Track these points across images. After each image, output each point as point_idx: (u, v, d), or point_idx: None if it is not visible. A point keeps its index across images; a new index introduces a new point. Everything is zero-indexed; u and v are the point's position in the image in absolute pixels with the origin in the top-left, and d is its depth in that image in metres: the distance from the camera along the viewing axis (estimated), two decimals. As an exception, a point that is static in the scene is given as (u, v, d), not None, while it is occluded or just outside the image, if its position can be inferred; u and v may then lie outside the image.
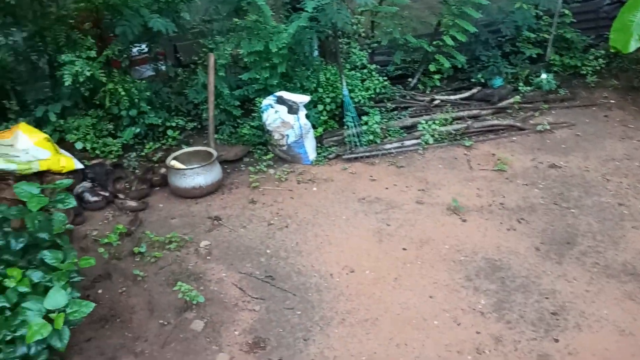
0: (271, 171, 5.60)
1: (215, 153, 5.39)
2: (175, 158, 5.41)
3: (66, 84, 5.20)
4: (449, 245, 4.32)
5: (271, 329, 3.65)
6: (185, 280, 4.05)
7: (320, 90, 6.07)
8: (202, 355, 3.46)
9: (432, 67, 6.61)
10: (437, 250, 4.28)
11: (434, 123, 5.91)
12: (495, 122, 6.06)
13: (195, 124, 6.40)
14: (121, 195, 5.23)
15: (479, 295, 3.83)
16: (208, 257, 4.38)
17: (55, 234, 3.38)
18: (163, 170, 5.62)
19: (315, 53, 6.48)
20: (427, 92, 6.68)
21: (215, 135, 5.88)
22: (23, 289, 3.10)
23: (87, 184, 5.28)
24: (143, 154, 6.00)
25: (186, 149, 5.64)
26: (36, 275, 3.18)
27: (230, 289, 4.03)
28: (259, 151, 5.94)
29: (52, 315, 2.82)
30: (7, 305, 3.14)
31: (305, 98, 5.74)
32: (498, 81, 6.62)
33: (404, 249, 4.31)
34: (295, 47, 5.92)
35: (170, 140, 6.17)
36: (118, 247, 4.42)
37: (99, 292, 4.01)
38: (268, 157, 5.79)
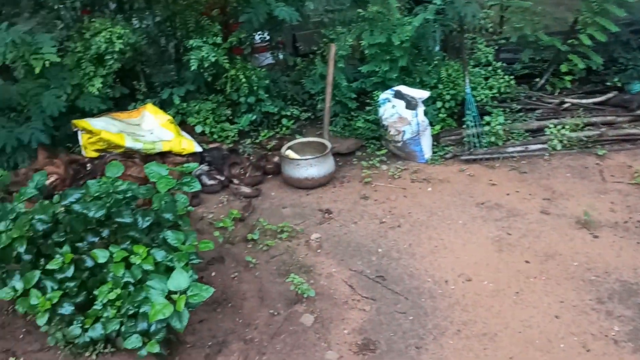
0: (384, 167, 5.45)
1: (329, 145, 5.33)
2: (289, 147, 5.41)
3: (192, 68, 5.33)
4: (578, 262, 3.98)
5: (382, 331, 3.52)
6: (296, 271, 4.00)
7: (441, 86, 5.83)
8: (310, 351, 3.40)
9: (563, 68, 6.16)
10: (564, 267, 3.95)
11: (563, 128, 5.49)
12: (634, 130, 5.53)
13: (309, 114, 6.38)
14: (236, 181, 5.29)
15: (612, 320, 3.48)
16: (318, 251, 4.32)
17: (177, 215, 3.44)
18: (276, 158, 5.64)
19: (437, 47, 6.24)
20: (556, 94, 6.23)
21: (329, 127, 5.81)
22: (147, 266, 3.18)
23: (204, 167, 5.40)
24: (257, 141, 6.06)
25: (300, 139, 5.62)
26: (159, 255, 3.25)
27: (340, 286, 3.94)
28: (372, 146, 5.82)
29: (174, 297, 2.86)
30: (132, 280, 3.24)
31: (424, 94, 5.53)
32: (637, 86, 6.04)
33: (527, 262, 4.02)
34: (418, 40, 5.72)
35: (284, 129, 6.18)
36: (232, 232, 4.47)
37: (212, 275, 4.06)
38: (382, 152, 5.65)
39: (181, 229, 3.55)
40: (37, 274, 3.31)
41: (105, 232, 3.45)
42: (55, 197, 3.39)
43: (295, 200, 5.07)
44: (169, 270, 3.31)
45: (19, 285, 3.32)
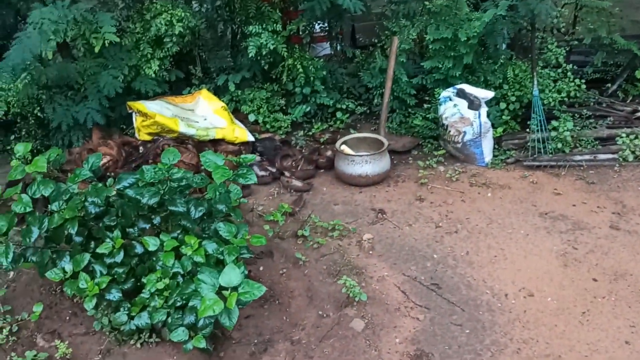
0: (441, 168, 5.23)
1: (386, 142, 5.13)
2: (344, 142, 5.24)
3: (250, 55, 5.22)
4: (651, 285, 3.69)
5: (435, 343, 3.33)
6: (347, 273, 3.85)
7: (506, 87, 5.56)
8: (360, 358, 3.24)
9: (638, 74, 5.77)
10: (636, 287, 3.67)
11: (637, 138, 5.15)
12: None
13: (364, 108, 6.20)
14: (287, 173, 5.16)
15: (691, 352, 3.20)
16: (370, 252, 4.15)
17: (231, 207, 3.33)
18: (329, 152, 5.48)
19: (504, 46, 5.95)
20: (628, 101, 5.86)
21: (385, 124, 5.61)
22: (198, 258, 3.07)
23: (257, 158, 5.29)
24: (310, 133, 5.92)
25: (356, 134, 5.44)
26: (210, 247, 3.14)
27: (392, 291, 3.76)
28: (429, 145, 5.60)
29: (224, 293, 2.74)
30: (181, 271, 3.14)
31: (488, 94, 5.28)
32: None
33: (594, 280, 3.75)
34: (486, 37, 5.46)
35: (338, 122, 6.03)
36: (282, 226, 4.34)
37: (261, 269, 3.93)
38: (439, 152, 5.42)
39: (233, 220, 3.44)
40: (86, 257, 3.25)
41: (156, 219, 3.36)
42: (109, 181, 3.32)
43: (348, 197, 4.91)
44: (218, 263, 3.20)
45: (68, 267, 3.27)
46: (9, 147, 5.27)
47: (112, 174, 4.70)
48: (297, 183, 5.02)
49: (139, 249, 3.36)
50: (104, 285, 3.17)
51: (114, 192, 3.26)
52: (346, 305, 3.58)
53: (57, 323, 3.49)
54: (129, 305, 3.27)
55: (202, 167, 4.80)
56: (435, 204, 4.70)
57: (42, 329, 3.42)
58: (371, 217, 4.60)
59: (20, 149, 3.14)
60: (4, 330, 3.31)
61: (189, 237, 3.13)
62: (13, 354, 3.19)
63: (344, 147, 5.16)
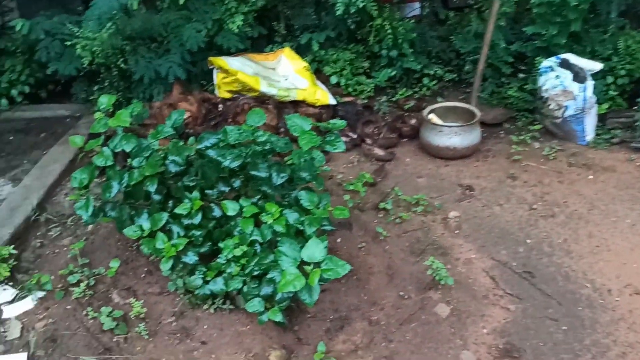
0: (536, 145, 4.82)
1: (478, 113, 4.76)
2: (432, 111, 4.90)
3: (338, 13, 4.93)
4: None
5: (528, 338, 3.05)
6: (432, 253, 3.59)
7: (615, 59, 5.02)
8: (444, 347, 3.01)
9: None
10: None
11: None
12: None
13: (454, 75, 5.81)
14: (368, 141, 4.91)
15: None
16: (457, 231, 3.86)
17: (314, 175, 3.12)
18: (413, 121, 5.18)
19: (616, 13, 5.36)
20: None
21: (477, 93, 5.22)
22: (278, 228, 2.90)
23: (337, 122, 5.05)
24: (394, 99, 5.61)
25: (445, 103, 5.09)
26: (292, 217, 2.96)
27: (480, 276, 3.48)
28: (523, 119, 5.18)
29: (306, 268, 2.55)
30: (260, 240, 2.98)
31: (596, 65, 4.78)
32: None
33: None
34: (598, 2, 4.91)
35: (424, 89, 5.69)
36: (363, 197, 4.11)
37: (338, 241, 3.74)
38: (535, 127, 4.99)
39: (314, 189, 3.24)
40: (164, 216, 3.15)
41: (236, 183, 3.21)
42: (190, 139, 3.18)
43: (432, 170, 4.61)
44: (298, 234, 3.03)
45: (146, 225, 3.19)
46: (92, 98, 5.26)
47: (191, 130, 4.60)
48: (379, 152, 4.76)
49: (217, 212, 3.22)
50: (181, 247, 3.06)
51: (194, 152, 3.11)
52: (430, 288, 3.33)
53: (133, 280, 3.44)
54: (204, 269, 3.16)
55: (282, 130, 4.64)
56: (529, 184, 4.33)
57: (118, 285, 3.38)
58: (458, 193, 4.29)
59: (105, 101, 3.04)
60: (82, 284, 3.27)
61: (270, 205, 2.96)
62: (89, 308, 3.15)
63: (433, 116, 4.83)
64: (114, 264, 3.38)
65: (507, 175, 4.46)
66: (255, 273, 2.95)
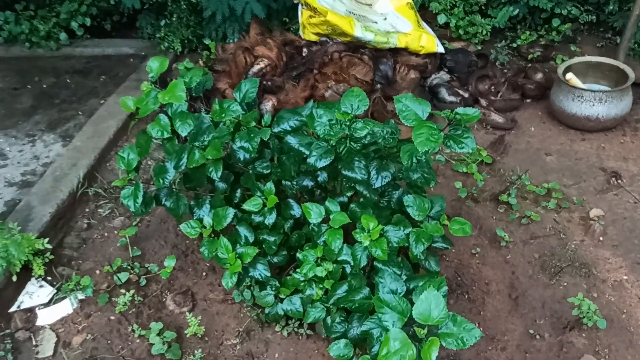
0: None
1: (631, 74, 3.69)
2: (568, 68, 3.86)
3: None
4: None
5: None
6: (570, 269, 2.74)
7: None
8: (591, 421, 2.23)
9: None
10: None
11: None
12: None
13: (592, 16, 4.62)
14: (484, 102, 3.96)
15: None
16: (601, 239, 2.97)
17: (427, 178, 2.31)
18: (539, 75, 4.16)
19: None
20: None
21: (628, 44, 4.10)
22: (377, 252, 2.13)
23: (444, 76, 4.13)
24: (515, 45, 4.58)
25: (586, 58, 4.01)
26: (395, 236, 2.19)
27: (637, 309, 2.62)
28: (687, 80, 4.02)
29: (418, 331, 1.80)
30: (350, 262, 2.25)
31: None
32: None
33: None
34: None
35: (553, 33, 4.59)
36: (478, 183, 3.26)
37: (444, 242, 2.94)
38: None
39: (422, 189, 2.43)
40: (230, 212, 2.44)
41: (322, 176, 2.45)
42: (266, 118, 2.40)
43: (565, 146, 3.65)
44: (400, 251, 2.27)
45: (207, 220, 2.51)
46: (158, 36, 4.56)
47: (269, 83, 3.84)
48: (498, 117, 3.83)
49: (296, 210, 2.50)
50: (248, 260, 2.38)
51: (270, 136, 2.35)
52: (571, 328, 2.51)
53: (192, 278, 2.83)
54: (277, 285, 2.48)
55: (378, 86, 3.78)
56: (698, 174, 3.32)
57: (175, 285, 2.78)
58: (599, 181, 3.35)
59: (155, 66, 2.30)
60: (130, 289, 2.69)
61: (367, 218, 2.19)
62: (136, 325, 2.56)
63: (572, 77, 3.80)
64: (170, 263, 2.76)
65: (666, 158, 3.45)
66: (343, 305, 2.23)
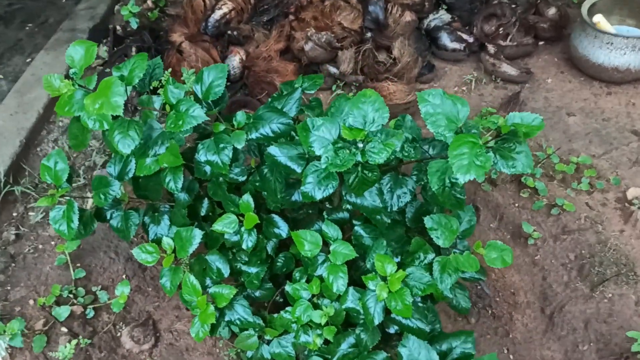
0: None
1: (669, 13, 3.09)
2: (594, 5, 3.23)
3: None
4: None
5: None
6: (612, 275, 2.27)
7: None
8: None
9: None
10: None
11: None
12: None
13: None
14: (491, 48, 3.33)
15: None
16: (642, 227, 2.49)
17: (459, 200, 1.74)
18: (552, 11, 3.55)
19: None
20: None
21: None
22: (396, 305, 1.60)
23: (444, 16, 3.46)
24: (523, -27, 3.86)
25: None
26: (420, 280, 1.65)
27: (694, 322, 2.19)
28: None
29: None
30: (359, 309, 1.71)
31: None
32: None
33: None
34: None
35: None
36: (494, 161, 2.70)
37: (459, 238, 2.43)
38: None
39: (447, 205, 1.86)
40: (197, 235, 1.85)
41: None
42: (239, 118, 1.74)
43: (589, 102, 3.09)
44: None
45: (167, 241, 1.92)
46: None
47: (235, 32, 3.12)
48: (510, 69, 3.22)
49: (282, 229, 1.93)
50: (224, 304, 1.83)
51: (245, 143, 1.71)
52: (624, 358, 2.07)
53: (153, 300, 2.29)
54: (261, 325, 1.94)
55: (368, 35, 3.11)
56: None
57: (131, 313, 2.23)
58: (633, 148, 2.83)
59: (78, 56, 1.56)
60: (74, 327, 2.12)
61: (383, 259, 1.63)
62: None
63: (600, 19, 3.17)
64: (123, 290, 2.19)
65: None
66: (349, 361, 1.73)
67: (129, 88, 1.64)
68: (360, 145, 1.41)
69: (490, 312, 2.25)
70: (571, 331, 2.15)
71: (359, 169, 1.43)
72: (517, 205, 2.56)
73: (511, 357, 2.12)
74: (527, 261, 2.38)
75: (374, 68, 3.12)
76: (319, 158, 1.50)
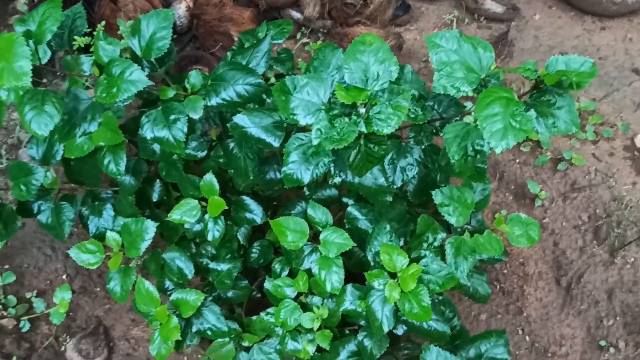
0: None
1: None
2: None
3: None
4: None
5: None
6: (635, 240, 2.01)
7: None
8: None
9: None
10: None
11: None
12: None
13: None
14: (472, -18, 2.95)
15: None
16: (659, 181, 2.23)
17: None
18: (534, -62, 3.14)
19: None
20: None
21: None
22: (409, 307, 1.26)
23: (418, -53, 3.04)
24: None
25: None
26: (437, 275, 1.32)
27: None
28: None
29: None
30: (358, 309, 1.39)
31: None
32: None
33: None
34: None
35: None
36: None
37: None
38: None
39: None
40: (151, 227, 1.47)
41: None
42: (193, 80, 1.33)
43: (583, 39, 2.79)
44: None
45: (113, 236, 1.54)
46: None
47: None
48: (494, 5, 2.86)
49: (255, 214, 1.56)
50: (190, 313, 1.47)
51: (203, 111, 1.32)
52: (653, 333, 1.82)
53: (102, 303, 1.91)
54: (238, 330, 1.60)
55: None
56: None
57: (77, 320, 1.84)
58: (635, 89, 2.56)
59: None
60: (6, 345, 1.73)
61: (389, 249, 1.29)
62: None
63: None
64: (63, 296, 1.79)
65: None
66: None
67: (43, 47, 1.22)
68: (362, 110, 1.03)
69: (498, 287, 1.97)
70: (593, 304, 1.89)
71: (362, 142, 1.06)
72: (518, 161, 2.26)
73: (527, 338, 1.84)
74: (534, 226, 2.09)
75: (343, 11, 2.72)
76: (303, 129, 1.12)
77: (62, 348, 1.79)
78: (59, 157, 1.53)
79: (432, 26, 2.88)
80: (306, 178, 1.14)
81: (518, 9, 2.89)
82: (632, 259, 1.94)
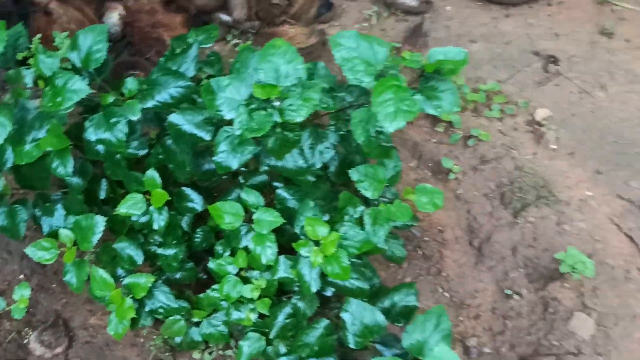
0: (630, -26, 3.26)
1: None
2: None
3: None
4: None
5: None
6: (532, 200, 2.30)
7: None
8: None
9: None
10: None
11: None
12: None
13: None
14: (388, -22, 3.19)
15: None
16: (554, 148, 2.53)
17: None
18: None
19: None
20: None
21: None
22: (333, 269, 1.49)
23: (336, -52, 3.25)
24: None
25: None
26: (355, 239, 1.54)
27: (609, 232, 2.26)
28: None
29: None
30: (291, 277, 1.60)
31: None
32: None
33: None
34: None
35: None
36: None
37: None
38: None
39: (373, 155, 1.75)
40: (100, 222, 1.64)
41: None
42: (129, 84, 1.51)
43: (489, 27, 3.07)
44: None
45: (66, 233, 1.69)
46: None
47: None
48: (410, 0, 3.11)
49: (196, 203, 1.75)
50: (142, 294, 1.65)
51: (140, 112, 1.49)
52: (551, 279, 2.10)
53: (60, 297, 2.06)
54: (187, 308, 1.78)
55: None
56: (635, 44, 2.91)
57: (37, 315, 1.99)
58: (536, 69, 2.85)
59: None
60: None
61: (313, 222, 1.50)
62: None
63: (492, -60, 3.11)
64: (22, 293, 1.92)
65: (597, 29, 3.00)
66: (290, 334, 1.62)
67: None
68: (277, 103, 1.24)
69: (421, 253, 2.22)
70: (500, 260, 2.16)
71: (278, 130, 1.27)
72: (434, 140, 2.51)
73: (446, 294, 2.10)
74: (450, 196, 2.35)
75: (269, 12, 2.90)
76: (230, 122, 1.32)
77: (25, 341, 1.93)
78: (9, 165, 1.67)
79: (354, 22, 3.10)
80: (234, 164, 1.33)
81: (431, 1, 3.15)
82: (532, 219, 2.23)
